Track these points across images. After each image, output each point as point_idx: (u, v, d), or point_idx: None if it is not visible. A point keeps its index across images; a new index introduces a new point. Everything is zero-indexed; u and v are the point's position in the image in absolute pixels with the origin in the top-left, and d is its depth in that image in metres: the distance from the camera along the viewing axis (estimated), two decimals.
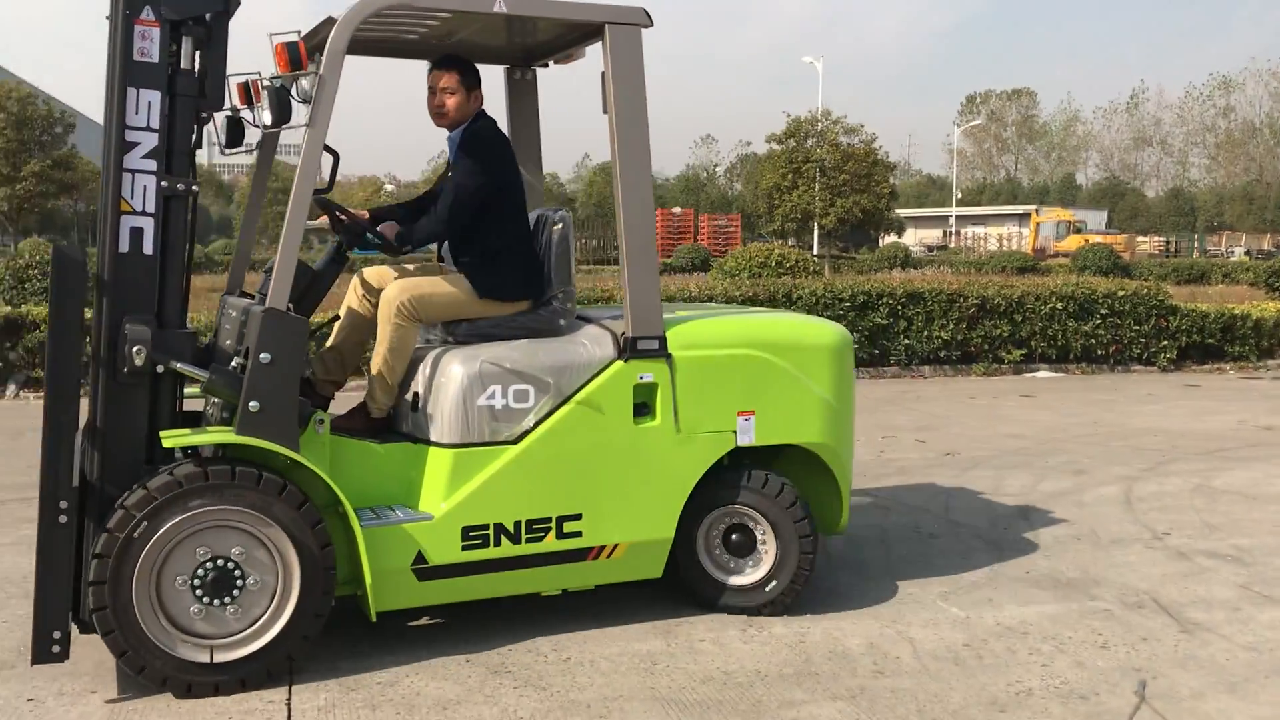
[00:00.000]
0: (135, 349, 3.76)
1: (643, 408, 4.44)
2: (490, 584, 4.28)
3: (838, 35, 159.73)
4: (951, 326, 13.26)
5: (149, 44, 3.78)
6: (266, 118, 3.90)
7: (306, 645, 3.92)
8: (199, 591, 3.77)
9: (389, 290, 4.39)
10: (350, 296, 4.68)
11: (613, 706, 3.80)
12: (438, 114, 4.58)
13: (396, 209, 4.83)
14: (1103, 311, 13.82)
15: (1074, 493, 7.13)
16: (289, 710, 3.74)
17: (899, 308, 13.12)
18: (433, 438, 4.24)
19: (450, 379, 4.23)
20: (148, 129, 3.81)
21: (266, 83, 3.90)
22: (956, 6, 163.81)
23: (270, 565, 3.84)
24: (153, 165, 3.83)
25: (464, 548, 4.17)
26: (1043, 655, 4.30)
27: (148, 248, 3.85)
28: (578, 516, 4.34)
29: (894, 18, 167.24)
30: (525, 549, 4.27)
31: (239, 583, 3.81)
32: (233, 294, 4.69)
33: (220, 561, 3.78)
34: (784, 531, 4.64)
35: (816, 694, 3.91)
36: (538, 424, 4.31)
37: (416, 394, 4.35)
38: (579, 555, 4.37)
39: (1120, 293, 13.98)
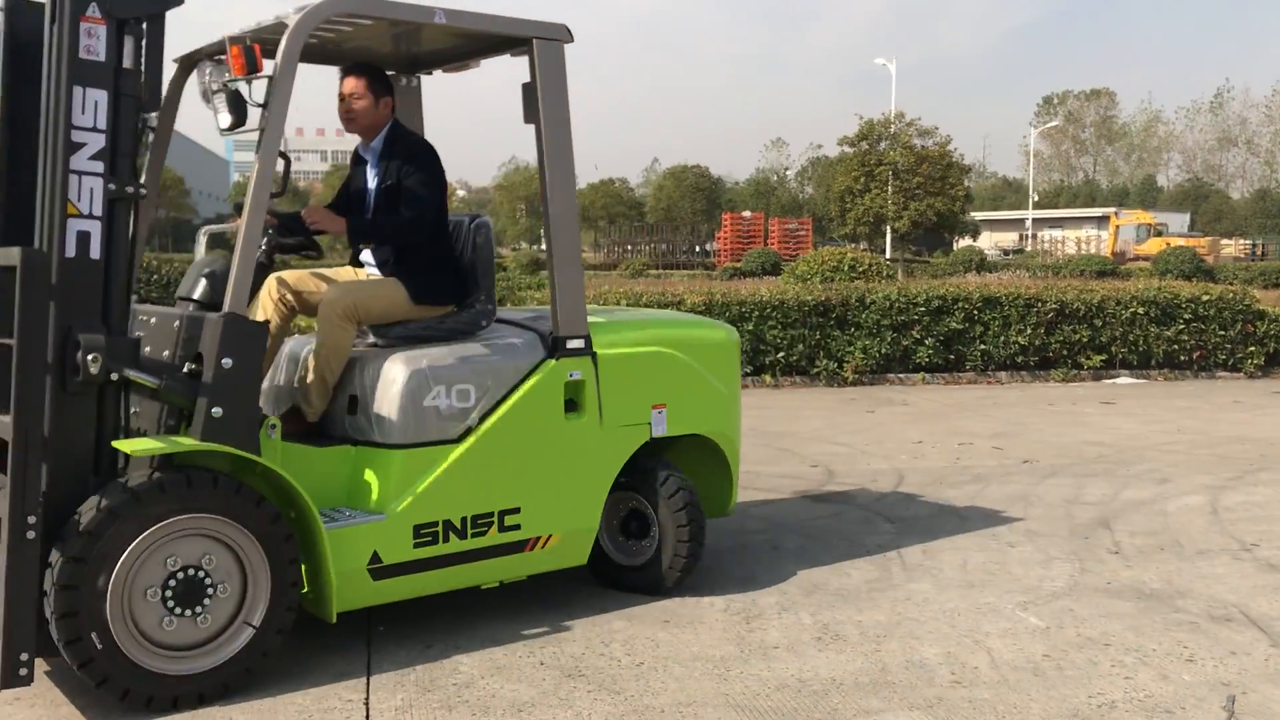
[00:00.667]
0: (90, 357, 3.62)
1: (571, 403, 4.66)
2: (438, 579, 4.37)
3: (911, 36, 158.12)
4: (1029, 331, 13.04)
5: (95, 41, 3.65)
6: (224, 120, 3.87)
7: (280, 640, 3.90)
8: (171, 603, 3.69)
9: (331, 293, 4.41)
10: (264, 300, 4.62)
11: (687, 712, 3.79)
12: (347, 120, 4.68)
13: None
14: (1186, 316, 13.50)
15: (1157, 502, 6.97)
16: (367, 709, 3.79)
17: (975, 312, 12.94)
18: (380, 439, 4.28)
19: (397, 381, 4.29)
20: (94, 129, 3.67)
21: (219, 84, 3.88)
22: (1032, 5, 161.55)
23: (236, 567, 3.81)
24: (99, 167, 3.69)
25: (415, 545, 4.24)
26: (1126, 668, 4.21)
27: (95, 252, 3.71)
28: (517, 510, 4.50)
29: (968, 18, 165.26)
30: (471, 543, 4.39)
31: (210, 590, 3.76)
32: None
33: (190, 570, 3.72)
34: (673, 517, 4.89)
35: (893, 703, 3.87)
36: (479, 422, 4.43)
37: (355, 397, 4.37)
38: (518, 547, 4.54)
39: (1205, 297, 13.65)
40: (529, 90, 4.58)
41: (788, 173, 77.31)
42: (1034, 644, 4.44)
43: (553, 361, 4.59)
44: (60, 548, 3.53)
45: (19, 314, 3.47)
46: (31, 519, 3.46)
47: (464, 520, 4.35)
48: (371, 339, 4.70)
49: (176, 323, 4.03)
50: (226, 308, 3.88)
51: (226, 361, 3.82)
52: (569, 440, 4.63)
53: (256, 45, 3.88)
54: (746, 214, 49.67)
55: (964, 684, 4.04)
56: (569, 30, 4.62)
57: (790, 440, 9.10)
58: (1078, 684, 4.04)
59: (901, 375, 12.79)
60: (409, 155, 4.64)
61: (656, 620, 4.67)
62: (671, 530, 4.90)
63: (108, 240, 3.74)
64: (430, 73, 5.30)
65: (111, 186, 3.72)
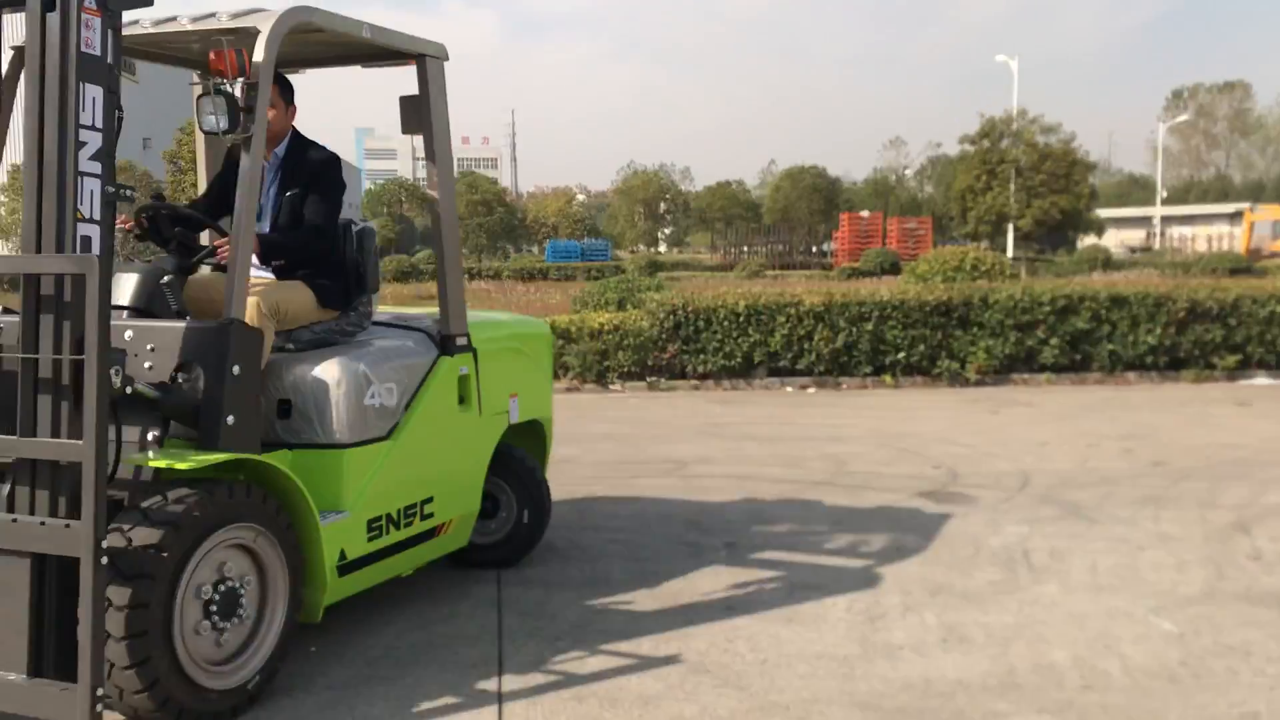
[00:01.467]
0: (114, 370, 3.42)
1: (460, 397, 4.92)
2: (379, 571, 4.50)
3: (1032, 31, 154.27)
4: (1159, 331, 12.65)
5: (93, 34, 3.43)
6: (222, 123, 3.86)
7: (291, 641, 3.94)
8: (214, 617, 3.64)
9: (253, 293, 4.32)
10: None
11: (812, 710, 3.81)
12: None
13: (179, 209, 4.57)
14: None
15: None
16: (500, 697, 3.91)
17: (1102, 312, 12.61)
18: (326, 440, 4.28)
19: (342, 383, 4.31)
20: (94, 128, 3.46)
21: (210, 87, 3.86)
22: None
23: (256, 575, 3.80)
24: (98, 168, 3.49)
25: (368, 539, 4.35)
26: (1269, 678, 4.08)
27: None
28: (431, 499, 4.72)
29: (1092, 11, 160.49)
30: (403, 534, 4.57)
31: (242, 599, 3.74)
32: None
33: (227, 581, 3.68)
34: (529, 495, 5.41)
35: (1022, 706, 3.83)
36: (403, 417, 4.58)
37: (286, 400, 4.31)
38: (431, 534, 4.76)
39: None
40: (416, 102, 4.82)
41: (906, 172, 76.10)
42: (1169, 650, 4.34)
43: (448, 358, 4.84)
44: (118, 567, 3.36)
45: (96, 325, 3.23)
46: (105, 543, 3.27)
47: (399, 512, 4.53)
48: (283, 344, 4.61)
49: (129, 333, 3.88)
50: (231, 314, 3.85)
51: (236, 369, 3.79)
52: (460, 431, 4.92)
53: (245, 50, 3.91)
54: (864, 214, 49.11)
55: (1095, 689, 3.98)
56: (445, 49, 4.91)
57: (912, 441, 9.01)
58: (1217, 693, 3.94)
59: (1026, 376, 12.53)
60: (316, 165, 4.63)
61: (779, 618, 4.69)
62: (529, 508, 5.40)
63: (104, 245, 3.55)
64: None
65: (110, 188, 3.54)
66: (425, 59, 4.80)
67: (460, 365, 4.90)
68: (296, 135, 4.74)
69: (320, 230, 4.60)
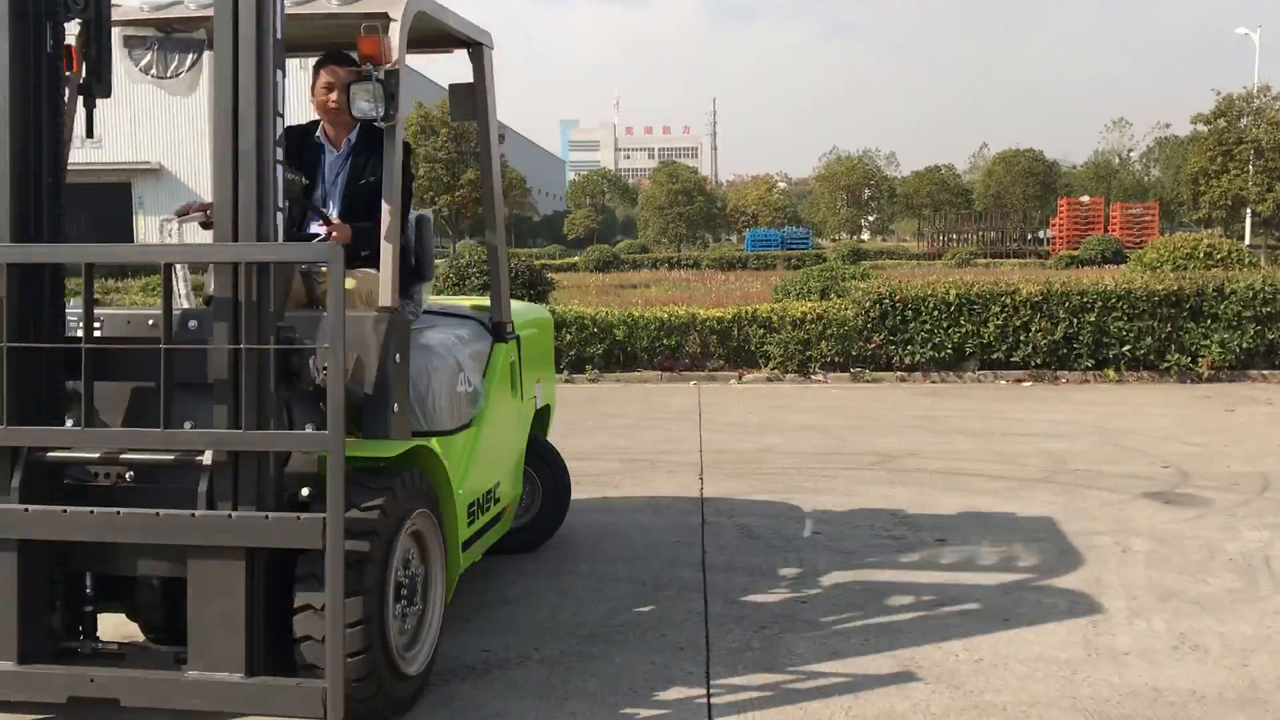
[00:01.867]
0: (310, 361, 3.41)
1: (511, 383, 5.00)
2: (471, 555, 4.47)
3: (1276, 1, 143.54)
4: None
5: (277, 20, 3.41)
6: (379, 110, 3.77)
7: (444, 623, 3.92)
8: (404, 604, 3.64)
9: (349, 283, 4.20)
10: None
11: (1031, 712, 3.67)
12: (334, 110, 4.43)
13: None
14: None
15: None
16: (707, 679, 3.93)
17: None
18: (427, 427, 4.14)
19: (439, 370, 4.22)
20: (279, 114, 3.44)
21: (361, 73, 3.78)
22: None
23: (421, 558, 3.79)
24: (281, 154, 3.45)
25: (468, 524, 4.34)
26: None
27: None
28: (498, 484, 4.77)
29: None
30: (485, 518, 4.60)
31: (419, 583, 3.74)
32: None
33: (407, 566, 3.67)
34: (553, 479, 5.50)
35: None
36: (481, 404, 4.62)
37: None
38: (497, 519, 4.79)
39: None
40: (469, 90, 4.85)
41: (1131, 154, 72.19)
42: None
43: (502, 345, 4.90)
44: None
45: (340, 315, 3.16)
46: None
47: (483, 497, 4.56)
48: None
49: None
50: (391, 303, 3.81)
51: (397, 356, 3.76)
52: (512, 416, 5.02)
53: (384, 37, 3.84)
54: (1085, 199, 46.96)
55: None
56: (492, 37, 4.97)
57: (1137, 439, 8.54)
58: None
59: (1265, 372, 11.69)
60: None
61: (995, 617, 4.54)
62: (552, 491, 5.51)
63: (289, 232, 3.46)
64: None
65: (291, 176, 3.54)
66: (481, 47, 4.82)
67: (510, 352, 4.99)
68: (366, 123, 4.49)
69: (404, 215, 4.53)
